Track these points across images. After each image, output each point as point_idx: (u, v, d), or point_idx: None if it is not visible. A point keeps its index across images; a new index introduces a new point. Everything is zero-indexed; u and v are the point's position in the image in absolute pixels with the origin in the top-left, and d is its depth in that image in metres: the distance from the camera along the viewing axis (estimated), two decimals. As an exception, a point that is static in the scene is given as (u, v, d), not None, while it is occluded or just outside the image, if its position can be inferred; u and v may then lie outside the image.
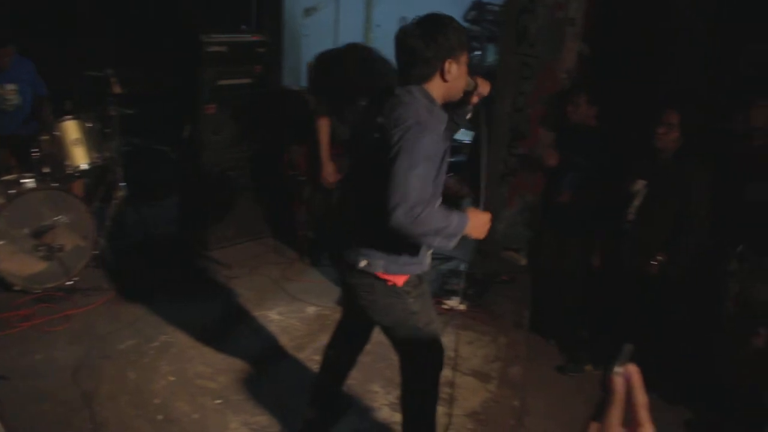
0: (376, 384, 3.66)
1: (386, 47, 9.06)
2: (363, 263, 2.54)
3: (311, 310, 4.42)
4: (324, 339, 4.02)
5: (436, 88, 2.47)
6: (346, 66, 4.27)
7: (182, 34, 5.07)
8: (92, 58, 5.19)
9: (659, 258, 3.82)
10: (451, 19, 2.49)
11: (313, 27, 7.55)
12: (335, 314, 4.32)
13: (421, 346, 2.72)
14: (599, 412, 0.76)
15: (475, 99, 2.72)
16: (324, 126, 4.50)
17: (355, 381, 3.66)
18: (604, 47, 5.58)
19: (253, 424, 3.30)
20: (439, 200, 2.46)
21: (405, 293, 2.60)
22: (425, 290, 2.72)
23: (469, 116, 2.82)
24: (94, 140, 4.61)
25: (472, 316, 4.44)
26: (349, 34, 7.89)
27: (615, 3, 5.50)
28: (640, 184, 3.94)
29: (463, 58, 2.49)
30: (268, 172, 5.25)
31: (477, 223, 2.51)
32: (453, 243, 2.47)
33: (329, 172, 4.52)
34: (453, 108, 2.72)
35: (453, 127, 2.79)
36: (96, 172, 4.93)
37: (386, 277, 2.56)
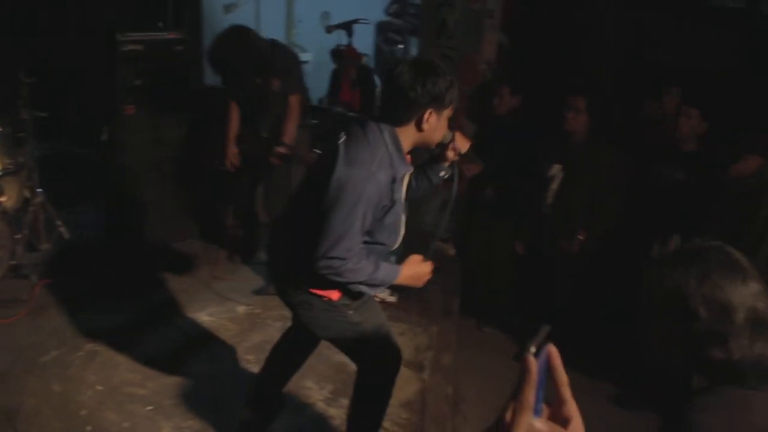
0: (310, 380, 3.66)
1: (309, 42, 9.06)
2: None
3: (242, 309, 4.38)
4: (256, 338, 4.04)
5: (408, 134, 2.40)
6: (226, 51, 4.23)
7: (97, 33, 4.91)
8: (2, 59, 4.98)
9: (580, 237, 3.97)
10: (445, 71, 2.38)
11: (234, 23, 7.43)
12: (266, 312, 4.32)
13: (373, 353, 2.74)
14: (516, 392, 0.77)
15: (451, 154, 2.60)
16: (233, 111, 4.54)
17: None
18: (522, 38, 5.73)
19: (186, 428, 3.25)
20: (388, 246, 2.53)
21: (343, 306, 2.60)
22: (367, 298, 2.72)
23: (444, 175, 2.69)
24: (5, 145, 4.43)
25: (403, 307, 4.49)
26: (271, 30, 7.78)
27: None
28: (556, 169, 4.08)
29: (446, 113, 2.41)
30: (192, 172, 5.16)
31: (414, 273, 2.58)
32: (379, 290, 2.60)
33: (231, 154, 4.52)
34: (428, 164, 2.68)
35: (425, 184, 2.72)
36: (10, 178, 4.74)
37: (321, 293, 2.55)
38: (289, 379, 3.18)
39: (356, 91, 5.05)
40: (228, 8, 7.51)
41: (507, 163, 4.43)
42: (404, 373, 3.75)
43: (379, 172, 2.31)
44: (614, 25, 5.82)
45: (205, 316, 4.25)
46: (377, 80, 6.07)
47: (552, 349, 0.81)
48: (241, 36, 4.25)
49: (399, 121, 2.38)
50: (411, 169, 2.49)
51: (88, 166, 5.55)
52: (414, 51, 8.80)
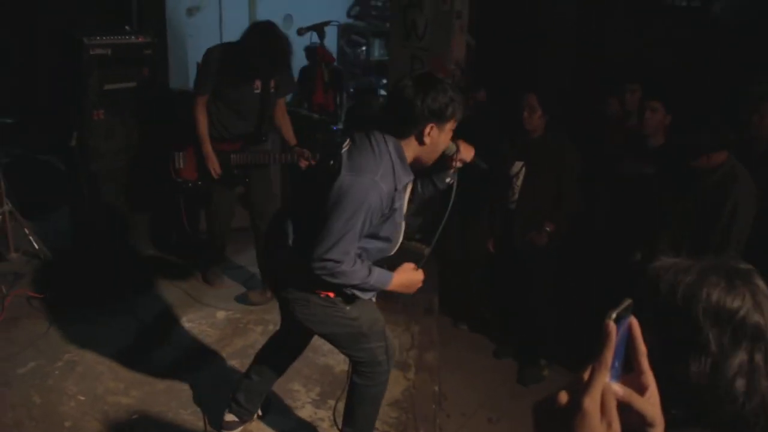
0: (297, 383, 3.66)
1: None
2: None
3: (221, 314, 4.34)
4: (238, 343, 4.01)
5: (411, 147, 2.44)
6: (286, 44, 4.05)
7: (64, 36, 4.80)
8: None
9: (547, 229, 4.07)
10: (450, 85, 2.44)
11: (197, 27, 7.37)
12: (247, 317, 4.30)
13: (369, 349, 2.77)
14: (594, 355, 0.79)
15: (457, 163, 2.63)
16: (201, 114, 4.19)
17: (274, 381, 3.65)
18: (488, 38, 5.83)
19: (174, 423, 3.22)
20: (384, 252, 2.61)
21: (341, 302, 2.63)
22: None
23: (449, 181, 2.73)
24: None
25: (383, 306, 4.46)
26: (234, 32, 7.69)
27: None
28: (518, 166, 4.18)
29: (449, 126, 2.44)
30: (162, 177, 5.07)
31: (406, 281, 2.67)
32: (370, 295, 2.64)
33: (212, 160, 4.22)
34: (434, 171, 2.70)
35: (430, 189, 2.78)
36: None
37: (319, 291, 2.58)
38: (274, 382, 3.20)
39: (329, 92, 5.05)
40: (191, 11, 7.44)
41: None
42: (390, 372, 3.79)
43: (383, 181, 2.35)
44: (574, 25, 5.98)
45: (185, 323, 4.20)
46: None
47: (633, 321, 0.84)
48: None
49: (401, 134, 2.42)
50: (412, 178, 2.53)
51: (56, 172, 5.42)
52: (377, 53, 8.85)
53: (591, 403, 0.77)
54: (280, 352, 3.14)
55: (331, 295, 2.59)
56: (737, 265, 1.13)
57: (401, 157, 2.42)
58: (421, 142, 2.42)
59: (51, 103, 5.04)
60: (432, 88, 2.37)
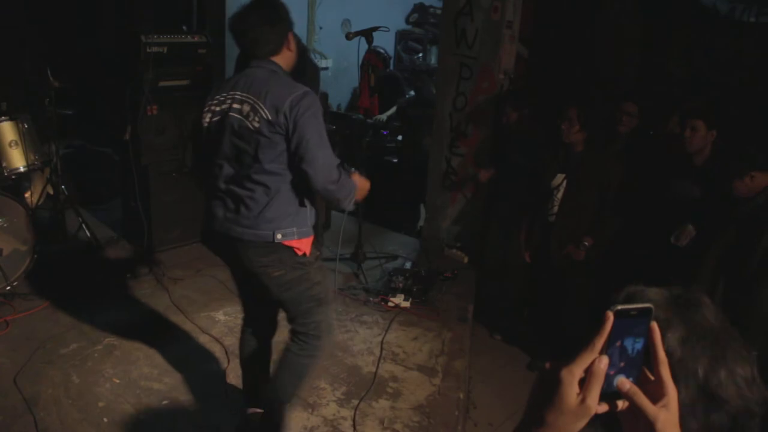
0: (324, 381, 3.71)
1: (329, 49, 9.14)
2: (278, 236, 2.64)
3: (257, 310, 4.43)
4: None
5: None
6: None
7: (123, 34, 5.00)
8: (29, 58, 5.08)
9: (586, 243, 4.01)
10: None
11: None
12: (281, 312, 4.36)
13: (318, 320, 2.87)
14: (586, 342, 0.84)
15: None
16: None
17: (302, 378, 3.71)
18: (541, 49, 5.79)
19: (200, 424, 3.30)
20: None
21: (310, 264, 2.76)
22: (321, 263, 2.98)
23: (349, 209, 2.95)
24: (31, 142, 4.52)
25: (416, 312, 4.53)
26: (292, 35, 7.90)
27: (550, 7, 5.71)
28: (559, 178, 4.14)
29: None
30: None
31: (361, 185, 2.83)
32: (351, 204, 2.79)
33: None
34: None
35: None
36: (35, 174, 4.85)
37: (296, 244, 2.68)
38: (269, 365, 3.25)
39: (375, 97, 5.10)
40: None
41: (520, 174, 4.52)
42: (416, 377, 3.82)
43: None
44: (628, 38, 5.88)
45: (221, 316, 4.31)
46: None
47: (654, 328, 0.85)
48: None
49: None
50: None
51: (111, 164, 5.64)
52: (434, 59, 8.87)
53: (567, 374, 0.83)
54: (255, 340, 3.20)
55: (308, 251, 2.73)
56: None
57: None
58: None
59: (109, 96, 5.23)
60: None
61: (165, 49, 4.85)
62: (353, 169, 2.88)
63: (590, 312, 4.19)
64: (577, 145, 4.06)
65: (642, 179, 4.18)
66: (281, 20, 2.70)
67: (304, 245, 2.73)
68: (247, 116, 2.59)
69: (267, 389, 3.02)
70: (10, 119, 4.42)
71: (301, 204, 2.72)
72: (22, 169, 4.48)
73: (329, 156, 2.61)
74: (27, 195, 4.84)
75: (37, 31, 5.60)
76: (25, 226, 4.34)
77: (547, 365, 0.87)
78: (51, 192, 4.88)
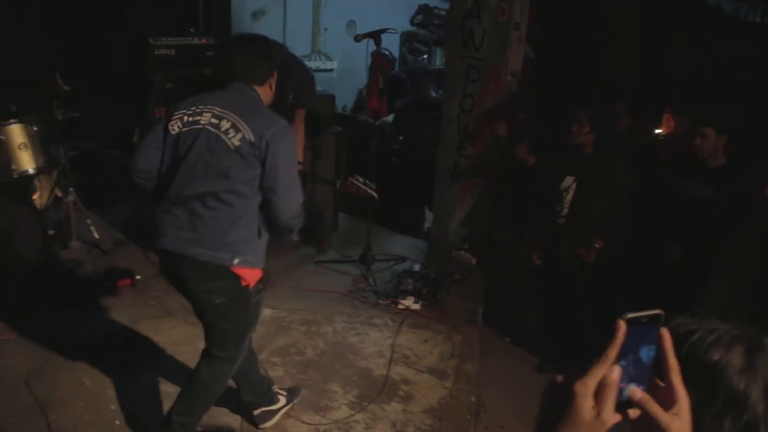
0: (335, 384, 3.70)
1: (333, 50, 9.14)
2: (235, 260, 2.62)
3: (267, 312, 4.40)
4: (281, 341, 4.09)
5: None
6: None
7: (130, 36, 5.00)
8: (38, 60, 5.08)
9: (596, 245, 4.01)
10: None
11: (261, 30, 7.49)
12: (291, 316, 4.37)
13: (240, 348, 2.89)
14: (599, 353, 0.83)
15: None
16: None
17: (312, 381, 3.71)
18: (548, 51, 5.79)
19: (213, 425, 3.30)
20: None
21: (250, 296, 2.80)
22: (261, 298, 3.10)
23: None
24: (40, 144, 4.52)
25: (426, 315, 4.52)
26: (297, 37, 7.91)
27: (555, 9, 5.71)
28: (569, 180, 4.13)
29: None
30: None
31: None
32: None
33: None
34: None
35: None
36: (43, 176, 4.84)
37: (246, 273, 2.67)
38: (256, 367, 3.29)
39: (383, 99, 5.10)
40: (256, 15, 7.61)
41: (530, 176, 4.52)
42: (427, 380, 3.81)
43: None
44: (637, 41, 5.88)
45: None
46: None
47: (664, 334, 0.84)
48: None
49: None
50: None
51: (119, 166, 5.63)
52: (438, 61, 8.87)
53: (581, 387, 0.82)
54: None
55: (252, 283, 2.74)
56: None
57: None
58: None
59: (117, 98, 5.23)
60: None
61: (173, 52, 4.85)
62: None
63: (596, 313, 4.19)
64: (586, 147, 4.06)
65: (647, 180, 4.18)
66: (273, 60, 2.85)
67: (251, 277, 2.72)
68: (226, 132, 2.56)
69: (175, 408, 2.94)
70: (20, 122, 4.42)
71: (260, 233, 2.71)
72: (31, 172, 4.48)
73: (298, 191, 2.69)
74: (35, 197, 4.83)
75: (46, 33, 5.60)
76: (34, 227, 4.34)
77: (560, 378, 0.86)
78: (59, 194, 4.87)
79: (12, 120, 4.40)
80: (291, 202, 2.62)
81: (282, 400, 3.36)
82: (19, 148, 4.41)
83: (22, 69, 5.20)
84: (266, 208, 2.63)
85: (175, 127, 2.65)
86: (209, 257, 2.59)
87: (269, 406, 3.29)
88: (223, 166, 2.55)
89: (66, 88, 4.56)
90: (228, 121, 2.57)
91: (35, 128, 4.49)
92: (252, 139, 2.53)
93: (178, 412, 2.90)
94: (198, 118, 2.62)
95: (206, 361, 2.88)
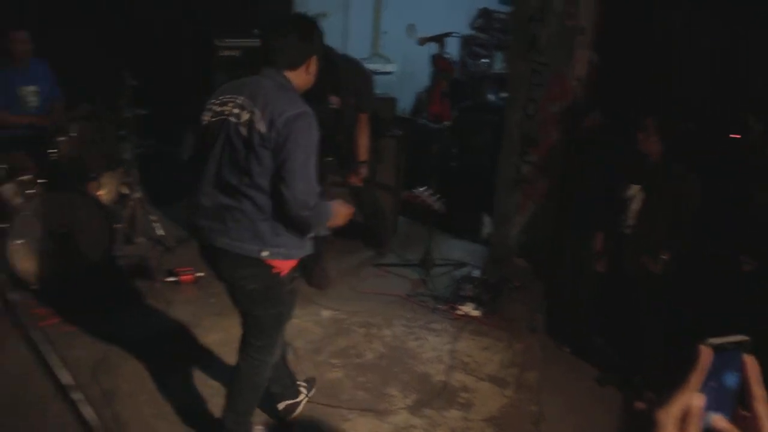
0: (394, 388, 3.68)
1: (394, 53, 9.12)
2: (264, 253, 2.60)
3: (326, 313, 4.43)
4: (341, 343, 4.08)
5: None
6: None
7: (197, 37, 5.09)
8: (107, 60, 5.20)
9: (663, 257, 3.89)
10: None
11: (323, 33, 7.58)
12: (351, 318, 4.37)
13: (274, 339, 2.89)
14: (682, 379, 0.78)
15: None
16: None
17: (371, 384, 3.69)
18: (613, 56, 5.65)
19: (271, 426, 3.31)
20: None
21: (283, 284, 2.76)
22: (296, 287, 3.06)
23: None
24: (108, 141, 4.62)
25: (486, 321, 4.46)
26: (358, 40, 7.94)
27: (625, 14, 5.57)
28: (634, 189, 4.02)
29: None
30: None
31: (340, 213, 2.76)
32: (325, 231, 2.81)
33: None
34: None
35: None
36: (108, 173, 4.95)
37: (277, 263, 2.65)
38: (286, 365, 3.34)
39: (446, 102, 5.06)
40: (317, 17, 7.65)
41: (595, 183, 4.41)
42: (488, 388, 3.76)
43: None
44: (706, 46, 5.69)
45: (292, 318, 4.30)
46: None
47: (749, 362, 0.80)
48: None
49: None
50: None
51: (183, 164, 5.73)
52: (499, 65, 8.77)
53: (664, 416, 0.78)
54: None
55: (283, 272, 2.71)
56: None
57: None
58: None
59: (182, 97, 5.32)
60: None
61: (237, 53, 4.92)
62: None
63: (661, 323, 4.06)
64: (652, 156, 3.94)
65: (719, 189, 4.04)
66: (311, 41, 2.69)
67: (284, 266, 2.70)
68: (244, 124, 2.50)
69: (225, 407, 2.98)
70: (90, 119, 4.54)
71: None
72: (99, 169, 4.59)
73: (310, 183, 2.52)
74: (101, 193, 4.94)
75: (115, 31, 5.74)
76: (101, 222, 4.43)
77: (640, 405, 0.82)
78: (125, 191, 4.98)
79: (82, 118, 4.52)
80: (297, 193, 2.46)
81: (303, 392, 3.38)
82: (89, 145, 4.51)
83: (93, 66, 5.33)
84: (277, 199, 2.54)
85: (206, 117, 2.65)
86: (239, 249, 2.60)
87: (293, 399, 3.31)
88: (242, 159, 2.52)
89: (134, 84, 4.64)
90: (247, 111, 2.50)
91: (105, 126, 4.60)
92: (262, 129, 2.46)
93: (228, 410, 2.96)
94: (223, 108, 2.58)
95: (243, 351, 2.92)
